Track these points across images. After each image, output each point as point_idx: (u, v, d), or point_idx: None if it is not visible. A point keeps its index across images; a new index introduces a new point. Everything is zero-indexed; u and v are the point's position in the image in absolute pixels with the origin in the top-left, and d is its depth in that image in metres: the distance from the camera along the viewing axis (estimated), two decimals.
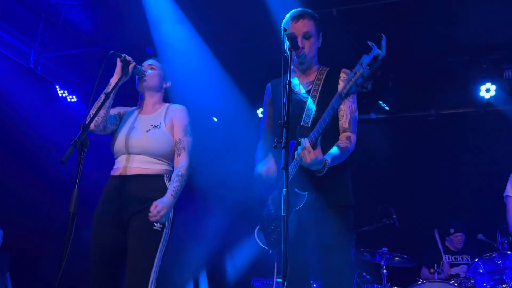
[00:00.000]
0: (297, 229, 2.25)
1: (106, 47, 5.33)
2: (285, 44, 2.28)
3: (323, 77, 2.44)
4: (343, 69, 2.44)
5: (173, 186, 2.46)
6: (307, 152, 2.05)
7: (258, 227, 2.47)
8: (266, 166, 2.40)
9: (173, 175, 2.51)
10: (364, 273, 4.50)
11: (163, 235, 2.45)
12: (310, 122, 2.31)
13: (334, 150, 2.21)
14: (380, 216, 4.46)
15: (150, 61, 2.79)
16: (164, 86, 2.80)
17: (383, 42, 1.84)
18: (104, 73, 2.37)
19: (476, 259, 4.02)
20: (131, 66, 2.56)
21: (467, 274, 4.16)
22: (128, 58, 2.57)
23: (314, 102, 2.36)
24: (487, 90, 5.27)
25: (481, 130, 5.54)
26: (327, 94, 2.34)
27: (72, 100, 5.92)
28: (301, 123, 2.33)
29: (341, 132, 2.34)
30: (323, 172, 2.13)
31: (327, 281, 2.26)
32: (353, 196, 2.39)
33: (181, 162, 2.55)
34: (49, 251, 4.95)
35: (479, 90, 5.33)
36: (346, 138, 2.29)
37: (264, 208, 2.44)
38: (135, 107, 2.81)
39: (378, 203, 4.71)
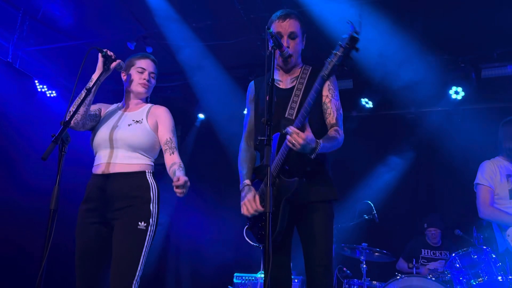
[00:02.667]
0: (288, 220, 2.29)
1: (87, 42, 5.27)
2: (268, 43, 2.30)
3: (307, 75, 2.48)
4: None
5: (181, 172, 2.43)
6: (296, 135, 2.06)
7: (246, 227, 2.50)
8: (250, 199, 2.36)
9: (175, 167, 2.46)
10: (345, 268, 4.56)
11: (148, 233, 2.44)
12: (294, 115, 2.35)
13: (326, 137, 2.25)
14: (360, 212, 4.53)
15: (152, 68, 2.73)
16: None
17: (359, 20, 1.94)
18: (85, 68, 2.35)
19: (453, 254, 4.12)
20: (113, 62, 2.53)
21: (444, 269, 4.25)
22: (110, 53, 2.54)
23: (298, 95, 2.40)
24: (456, 92, 5.48)
25: (459, 128, 5.66)
26: (311, 89, 2.38)
27: (52, 95, 5.81)
28: (286, 116, 2.37)
29: (329, 128, 2.39)
30: (316, 151, 2.13)
31: (310, 274, 2.29)
32: (334, 189, 2.43)
33: (177, 159, 2.53)
34: (29, 249, 4.89)
35: (456, 89, 5.49)
36: (335, 131, 2.34)
37: None
38: (116, 104, 2.78)
39: (358, 199, 4.78)
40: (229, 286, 4.97)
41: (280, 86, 2.51)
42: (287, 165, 2.26)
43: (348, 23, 1.94)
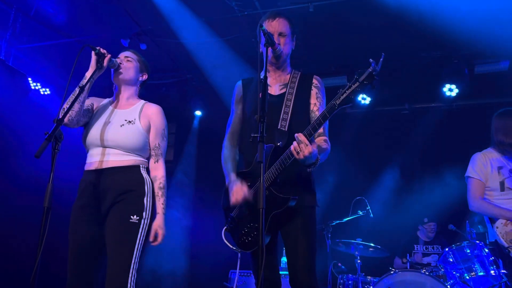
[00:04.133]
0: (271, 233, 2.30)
1: (80, 39, 5.25)
2: (260, 41, 2.30)
3: (297, 81, 2.49)
4: (315, 76, 2.53)
5: (161, 203, 2.55)
6: (304, 145, 2.07)
7: (225, 227, 2.49)
8: (237, 189, 2.38)
9: (156, 189, 2.57)
10: (339, 264, 4.59)
11: (141, 226, 2.44)
12: (286, 127, 2.35)
13: (319, 148, 2.25)
14: (354, 208, 4.55)
15: (126, 53, 2.76)
16: (141, 79, 2.77)
17: (381, 60, 1.95)
18: (78, 65, 2.35)
19: (447, 249, 4.15)
20: (106, 59, 2.53)
21: (438, 263, 4.29)
22: (103, 50, 2.54)
23: (289, 106, 2.40)
24: (450, 90, 5.51)
25: (452, 124, 5.70)
26: (301, 99, 2.43)
27: (46, 93, 5.79)
28: (278, 127, 2.36)
29: (316, 136, 2.39)
30: (315, 166, 2.17)
31: (294, 274, 2.31)
32: (317, 197, 2.45)
33: (160, 171, 2.60)
34: (23, 247, 4.87)
35: (450, 86, 5.52)
36: (324, 141, 2.36)
37: (234, 210, 2.45)
38: (108, 99, 2.77)
39: (353, 195, 4.81)
40: (224, 283, 4.99)
41: (269, 91, 2.50)
42: (279, 178, 2.27)
43: (371, 61, 1.96)
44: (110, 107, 2.68)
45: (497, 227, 2.97)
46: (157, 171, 2.61)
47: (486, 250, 3.92)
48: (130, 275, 2.33)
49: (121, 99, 2.71)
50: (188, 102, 6.24)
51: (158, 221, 2.51)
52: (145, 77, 2.79)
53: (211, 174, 6.26)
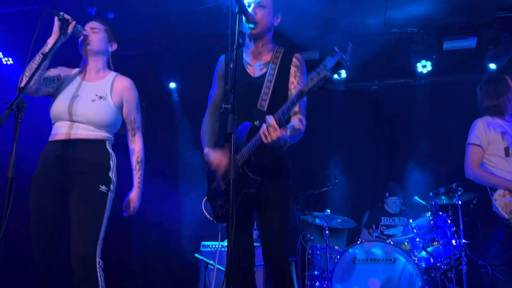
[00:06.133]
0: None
1: (43, 6, 5.01)
2: (234, 9, 2.26)
3: (279, 60, 2.46)
4: (296, 54, 2.50)
5: (138, 176, 2.59)
6: (272, 129, 2.04)
7: (205, 198, 2.52)
8: (218, 156, 2.39)
9: (134, 162, 2.61)
10: (308, 235, 4.70)
11: (108, 198, 2.45)
12: (266, 107, 2.34)
13: (291, 130, 2.25)
14: (323, 181, 4.64)
15: (92, 24, 2.66)
16: (110, 49, 2.69)
17: (349, 48, 1.91)
18: (44, 33, 2.26)
19: (411, 220, 4.32)
20: (70, 26, 2.44)
21: (403, 234, 4.45)
22: (67, 16, 2.45)
23: (270, 86, 2.38)
24: (424, 66, 5.58)
25: (420, 100, 5.82)
26: (282, 79, 2.41)
27: (8, 62, 5.57)
28: (257, 107, 2.35)
29: (292, 115, 2.38)
30: (284, 150, 2.17)
31: (268, 244, 2.35)
32: (292, 175, 2.48)
33: (138, 145, 2.65)
34: None
35: (419, 62, 5.62)
36: (299, 120, 2.35)
37: (213, 183, 2.47)
38: (77, 69, 2.69)
39: (322, 168, 4.89)
40: (196, 254, 5.04)
41: (249, 71, 2.48)
42: (253, 156, 2.26)
43: (336, 49, 1.91)
44: (79, 79, 2.61)
45: (495, 199, 2.88)
46: (135, 145, 2.64)
47: (449, 221, 4.10)
48: (98, 243, 2.34)
49: (90, 71, 2.63)
50: (161, 74, 6.12)
51: (133, 194, 2.56)
52: (114, 46, 2.72)
53: (183, 145, 6.24)
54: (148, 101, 6.59)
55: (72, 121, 2.47)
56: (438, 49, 5.51)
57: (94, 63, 2.64)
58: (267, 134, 2.05)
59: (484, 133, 3.04)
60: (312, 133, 6.10)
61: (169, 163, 6.27)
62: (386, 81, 6.10)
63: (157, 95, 6.44)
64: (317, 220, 4.71)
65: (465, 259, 3.98)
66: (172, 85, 6.27)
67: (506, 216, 2.82)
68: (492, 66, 5.47)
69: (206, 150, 2.50)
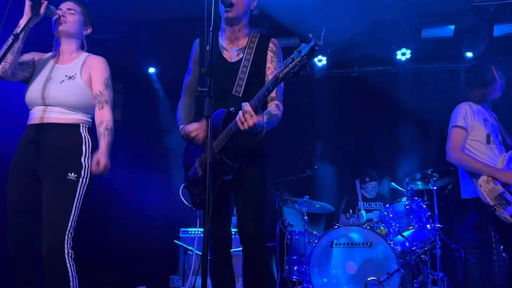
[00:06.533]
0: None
1: None
2: None
3: (255, 45, 2.43)
4: (272, 39, 2.48)
5: (105, 141, 2.44)
6: (249, 116, 2.03)
7: (183, 185, 2.50)
8: (196, 125, 2.34)
9: (101, 129, 2.46)
10: (287, 220, 4.75)
11: (79, 185, 2.39)
12: (241, 92, 2.32)
13: (268, 116, 2.24)
14: (303, 167, 4.67)
15: (68, 4, 2.59)
16: (85, 33, 2.64)
17: (322, 34, 1.90)
18: (13, 14, 2.19)
19: (387, 205, 4.39)
20: (43, 6, 2.37)
21: (379, 219, 4.53)
22: None
23: (245, 72, 2.36)
24: (403, 54, 5.68)
25: (399, 87, 5.88)
26: (258, 64, 2.39)
27: None
28: (233, 93, 2.33)
29: (269, 100, 2.38)
30: (260, 136, 2.15)
31: (244, 228, 2.36)
32: (270, 161, 2.48)
33: (106, 115, 2.50)
34: None
35: (398, 50, 5.69)
36: (276, 106, 2.34)
37: (190, 169, 2.45)
38: (50, 53, 2.63)
39: (302, 155, 4.92)
40: (175, 241, 5.04)
41: (225, 56, 2.45)
42: (230, 143, 2.24)
43: (310, 36, 1.91)
44: (52, 62, 2.55)
45: (480, 185, 2.85)
46: (103, 116, 2.49)
47: (424, 206, 4.19)
48: (67, 233, 2.29)
49: (63, 54, 2.57)
50: (139, 59, 6.02)
51: (100, 152, 2.40)
52: (89, 30, 2.67)
53: (162, 131, 6.19)
54: (126, 87, 6.51)
55: (45, 105, 2.43)
56: (417, 37, 5.58)
57: (68, 46, 2.58)
58: (243, 121, 2.04)
59: (470, 117, 3.03)
60: (292, 119, 6.13)
61: (150, 149, 6.22)
62: (366, 69, 6.14)
63: (136, 80, 6.35)
64: (296, 206, 4.76)
65: (439, 243, 4.08)
66: (151, 70, 6.19)
67: (491, 203, 2.81)
68: (469, 54, 5.56)
69: (180, 127, 2.46)
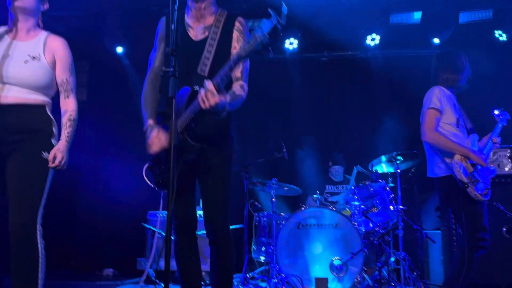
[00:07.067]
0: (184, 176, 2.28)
1: None
2: None
3: (221, 24, 2.38)
4: (238, 18, 2.43)
5: (66, 132, 2.44)
6: (211, 94, 1.99)
7: (146, 165, 2.47)
8: (156, 137, 2.31)
9: (64, 120, 2.47)
10: (256, 202, 4.78)
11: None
12: (206, 71, 2.28)
13: (231, 95, 2.21)
14: (271, 150, 4.69)
15: None
16: (41, 8, 2.56)
17: (284, 12, 1.85)
18: None
19: (352, 187, 4.49)
20: None
21: (345, 201, 4.64)
22: None
23: (211, 51, 2.32)
24: (373, 39, 5.76)
25: (368, 72, 5.97)
26: (224, 43, 2.35)
27: None
28: (198, 71, 2.29)
29: (234, 80, 2.34)
30: (222, 115, 2.13)
31: (209, 211, 2.37)
32: (235, 143, 2.48)
33: (71, 105, 2.51)
34: None
35: (368, 35, 5.76)
36: (240, 86, 2.31)
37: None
38: (4, 28, 2.52)
39: (270, 138, 4.94)
40: (142, 223, 5.01)
41: (191, 35, 2.41)
42: (194, 123, 2.21)
43: (270, 12, 1.85)
44: (8, 38, 2.46)
45: (456, 163, 2.95)
46: (68, 105, 2.51)
47: (387, 188, 4.30)
48: (39, 212, 2.30)
49: (20, 30, 2.48)
50: (106, 37, 5.86)
51: (60, 145, 2.41)
52: (46, 6, 2.58)
53: (129, 112, 6.07)
54: (92, 66, 6.33)
55: (3, 83, 2.35)
56: (385, 23, 5.65)
57: (24, 22, 2.49)
58: (205, 100, 2.01)
59: (443, 100, 3.12)
60: (264, 102, 6.16)
61: (118, 130, 6.10)
62: (335, 53, 6.19)
63: (103, 59, 6.19)
64: (264, 188, 4.80)
65: (402, 224, 4.21)
66: (119, 49, 6.05)
67: (466, 180, 2.91)
68: (436, 40, 5.68)
69: (148, 122, 2.41)
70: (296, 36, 5.86)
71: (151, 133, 2.36)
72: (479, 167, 2.99)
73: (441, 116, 3.10)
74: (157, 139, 2.31)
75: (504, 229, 4.15)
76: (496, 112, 3.36)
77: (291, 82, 6.14)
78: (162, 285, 1.94)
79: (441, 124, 3.13)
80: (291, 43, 5.91)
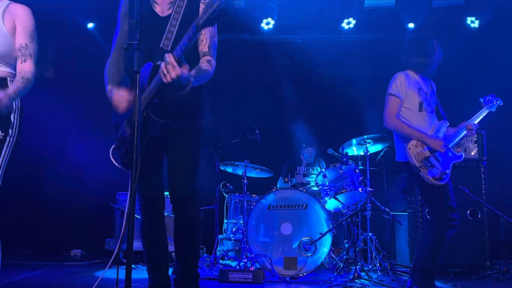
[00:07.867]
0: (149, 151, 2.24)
1: None
2: None
3: (185, 1, 2.32)
4: None
5: (16, 85, 2.29)
6: (171, 67, 1.93)
7: (113, 146, 2.41)
8: (122, 94, 2.25)
9: (17, 77, 2.33)
10: (228, 184, 4.77)
11: (6, 144, 2.30)
12: (170, 46, 2.23)
13: (197, 70, 2.15)
14: (244, 131, 4.67)
15: None
16: None
17: None
18: None
19: (323, 169, 4.53)
20: None
21: (315, 182, 4.68)
22: None
23: (175, 25, 2.26)
24: (348, 23, 5.79)
25: (342, 55, 5.97)
26: (189, 17, 2.24)
27: None
28: (160, 46, 2.23)
29: (201, 56, 2.30)
30: (186, 90, 2.06)
31: (175, 185, 2.34)
32: (202, 120, 2.44)
33: (27, 67, 2.36)
34: None
35: (344, 18, 5.75)
36: (207, 62, 2.27)
37: (120, 129, 2.37)
38: None
39: (243, 119, 4.91)
40: (111, 204, 4.95)
41: (157, 10, 2.34)
42: (157, 98, 2.16)
43: None
44: None
45: (409, 148, 3.03)
46: (23, 68, 2.35)
47: (357, 171, 4.36)
48: None
49: None
50: (75, 12, 5.65)
51: (8, 90, 2.26)
52: None
53: (99, 90, 5.91)
54: (60, 42, 6.12)
55: None
56: (359, 7, 5.64)
57: None
58: (165, 73, 1.94)
59: (405, 86, 3.15)
60: (236, 82, 6.10)
61: (86, 109, 5.92)
62: (310, 35, 6.17)
63: (71, 35, 5.99)
64: (236, 170, 4.79)
65: (370, 205, 4.30)
66: (90, 25, 5.86)
67: (417, 164, 2.98)
68: (411, 25, 5.72)
69: (109, 87, 2.35)
70: (273, 16, 5.79)
71: (113, 94, 2.29)
72: (438, 153, 3.04)
73: (401, 102, 3.15)
74: (120, 99, 2.25)
75: (468, 212, 4.27)
76: (481, 100, 3.38)
77: (267, 63, 6.09)
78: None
79: (403, 109, 3.17)
80: (267, 23, 5.84)
